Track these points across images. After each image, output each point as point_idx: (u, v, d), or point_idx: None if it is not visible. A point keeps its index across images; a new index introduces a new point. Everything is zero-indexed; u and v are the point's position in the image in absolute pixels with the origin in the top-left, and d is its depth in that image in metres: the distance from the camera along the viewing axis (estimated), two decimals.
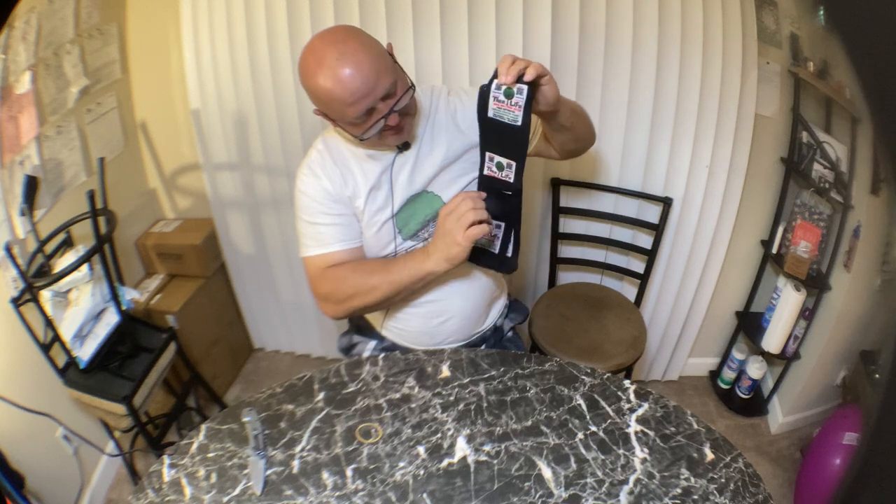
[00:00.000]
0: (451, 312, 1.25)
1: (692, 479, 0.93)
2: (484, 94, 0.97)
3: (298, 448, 1.00)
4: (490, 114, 0.98)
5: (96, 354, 1.54)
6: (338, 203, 1.12)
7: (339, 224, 1.13)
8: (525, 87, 0.92)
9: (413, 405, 1.07)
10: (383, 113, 0.98)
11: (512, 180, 1.03)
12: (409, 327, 1.27)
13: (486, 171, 1.06)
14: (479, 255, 1.13)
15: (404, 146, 1.13)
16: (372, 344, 1.34)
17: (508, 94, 0.94)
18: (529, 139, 1.01)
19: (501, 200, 1.06)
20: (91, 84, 1.68)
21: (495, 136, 1.00)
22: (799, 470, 1.71)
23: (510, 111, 0.95)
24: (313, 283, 1.15)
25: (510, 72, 0.91)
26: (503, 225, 1.10)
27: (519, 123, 0.95)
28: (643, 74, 1.58)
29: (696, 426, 1.02)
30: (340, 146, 1.14)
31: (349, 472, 0.96)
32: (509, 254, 1.13)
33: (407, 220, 1.15)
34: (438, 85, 1.23)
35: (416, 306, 1.23)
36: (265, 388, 1.12)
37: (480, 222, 1.01)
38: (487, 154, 1.04)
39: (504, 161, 1.02)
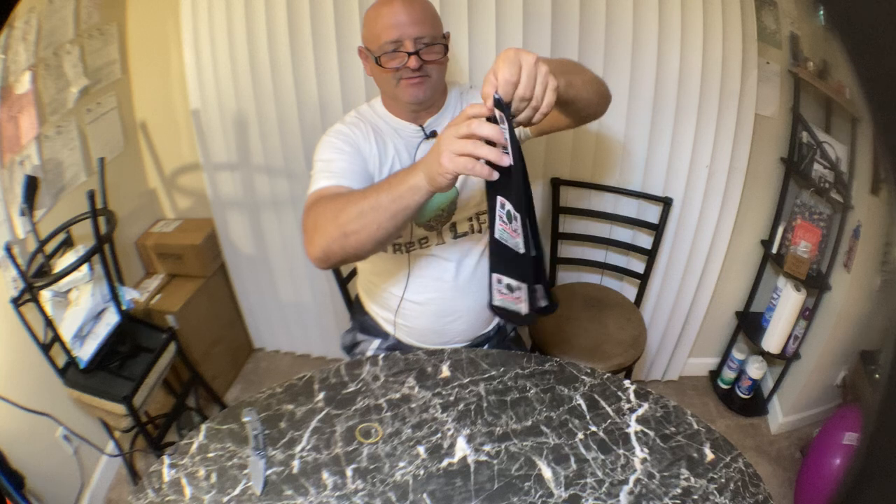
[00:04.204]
0: (461, 312, 1.25)
1: (692, 479, 0.93)
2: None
3: (298, 448, 1.00)
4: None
5: (96, 354, 1.54)
6: (358, 153, 1.12)
7: (355, 170, 1.09)
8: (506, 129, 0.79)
9: (413, 405, 1.07)
10: (409, 50, 1.05)
11: (522, 243, 0.90)
12: (418, 325, 1.27)
13: (498, 222, 0.92)
14: (509, 317, 1.04)
15: (432, 135, 1.16)
16: (376, 342, 1.34)
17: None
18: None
19: (517, 259, 0.94)
20: (91, 84, 1.68)
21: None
22: (799, 470, 1.71)
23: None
24: (303, 219, 1.03)
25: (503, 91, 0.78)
26: (524, 287, 0.99)
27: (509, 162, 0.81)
28: (643, 74, 1.58)
29: (696, 426, 1.02)
30: (374, 116, 1.19)
31: (349, 472, 0.96)
32: (543, 303, 1.03)
33: (423, 207, 1.15)
34: (462, 82, 1.25)
35: (425, 304, 1.24)
36: (265, 388, 1.12)
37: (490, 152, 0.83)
38: (499, 198, 0.90)
39: (513, 211, 0.88)
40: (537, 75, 0.78)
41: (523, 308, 1.02)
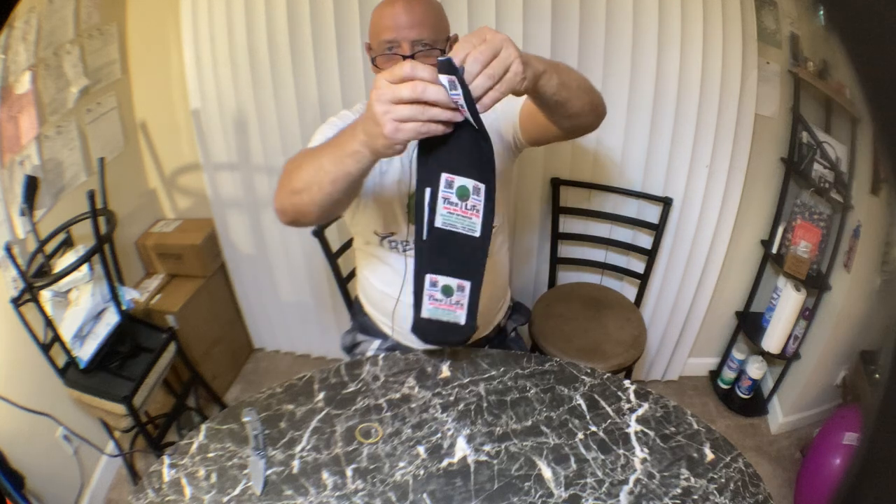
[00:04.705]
0: None
1: (692, 479, 0.93)
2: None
3: (298, 448, 1.00)
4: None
5: (96, 354, 1.54)
6: None
7: None
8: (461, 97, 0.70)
9: (413, 405, 1.07)
10: (405, 53, 1.04)
11: (480, 224, 0.81)
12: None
13: (442, 206, 0.82)
14: (443, 333, 0.96)
15: None
16: (376, 343, 1.34)
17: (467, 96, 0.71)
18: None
19: (464, 249, 0.86)
20: (91, 84, 1.68)
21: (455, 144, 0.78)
22: (799, 470, 1.71)
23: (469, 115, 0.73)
24: None
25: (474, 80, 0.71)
26: (468, 285, 0.91)
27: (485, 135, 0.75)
28: (643, 74, 1.58)
29: (696, 426, 1.02)
30: None
31: (349, 472, 0.96)
32: (468, 319, 0.94)
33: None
34: None
35: None
36: (265, 388, 1.12)
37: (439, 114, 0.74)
38: (444, 176, 0.80)
39: (470, 184, 0.79)
40: (501, 50, 0.71)
41: (462, 317, 0.91)
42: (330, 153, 0.84)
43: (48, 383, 1.52)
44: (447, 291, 0.91)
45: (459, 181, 0.80)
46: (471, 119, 0.74)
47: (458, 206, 0.81)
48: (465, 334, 0.96)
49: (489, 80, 0.71)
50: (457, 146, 0.77)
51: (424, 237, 0.86)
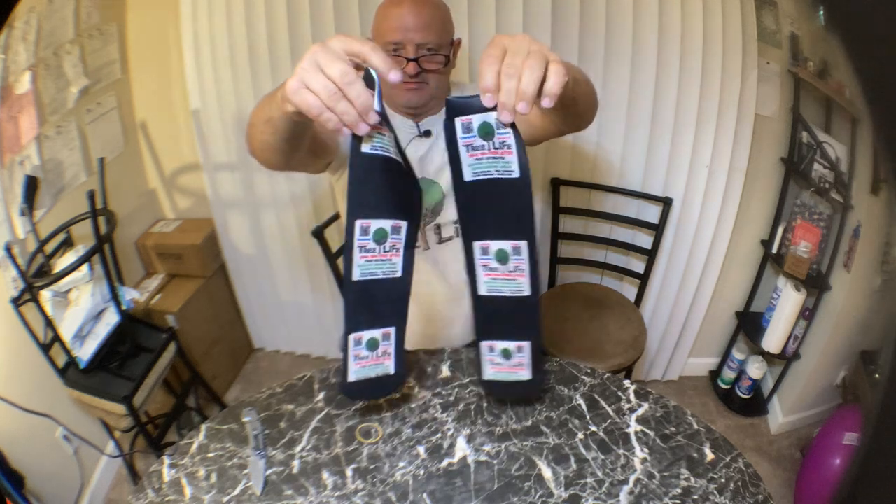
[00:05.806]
0: (454, 318, 1.25)
1: (692, 479, 0.93)
2: (449, 138, 0.66)
3: (298, 448, 1.00)
4: (468, 176, 0.68)
5: (96, 354, 1.54)
6: None
7: None
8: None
9: (413, 405, 1.07)
10: (409, 56, 1.04)
11: (401, 264, 0.75)
12: (411, 330, 1.27)
13: (359, 255, 0.75)
14: (372, 390, 0.92)
15: (426, 133, 1.15)
16: None
17: (486, 133, 0.63)
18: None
19: (387, 294, 0.80)
20: (91, 84, 1.68)
21: (483, 203, 0.70)
22: (799, 470, 1.71)
23: (498, 158, 0.65)
24: None
25: (516, 96, 0.63)
26: (392, 331, 0.85)
27: (516, 174, 0.66)
28: (643, 74, 1.58)
29: (696, 426, 1.02)
30: None
31: (349, 472, 0.96)
32: (398, 366, 0.91)
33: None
34: (468, 83, 1.23)
35: (418, 310, 1.23)
36: (265, 388, 1.12)
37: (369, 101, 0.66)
38: (359, 223, 0.73)
39: (388, 224, 0.73)
40: (529, 48, 0.65)
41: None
42: (273, 93, 0.80)
43: (48, 383, 1.52)
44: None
45: (376, 224, 0.74)
46: (401, 161, 0.71)
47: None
48: (395, 384, 0.94)
49: (535, 80, 0.64)
50: (374, 185, 0.72)
51: (474, 306, 0.81)
